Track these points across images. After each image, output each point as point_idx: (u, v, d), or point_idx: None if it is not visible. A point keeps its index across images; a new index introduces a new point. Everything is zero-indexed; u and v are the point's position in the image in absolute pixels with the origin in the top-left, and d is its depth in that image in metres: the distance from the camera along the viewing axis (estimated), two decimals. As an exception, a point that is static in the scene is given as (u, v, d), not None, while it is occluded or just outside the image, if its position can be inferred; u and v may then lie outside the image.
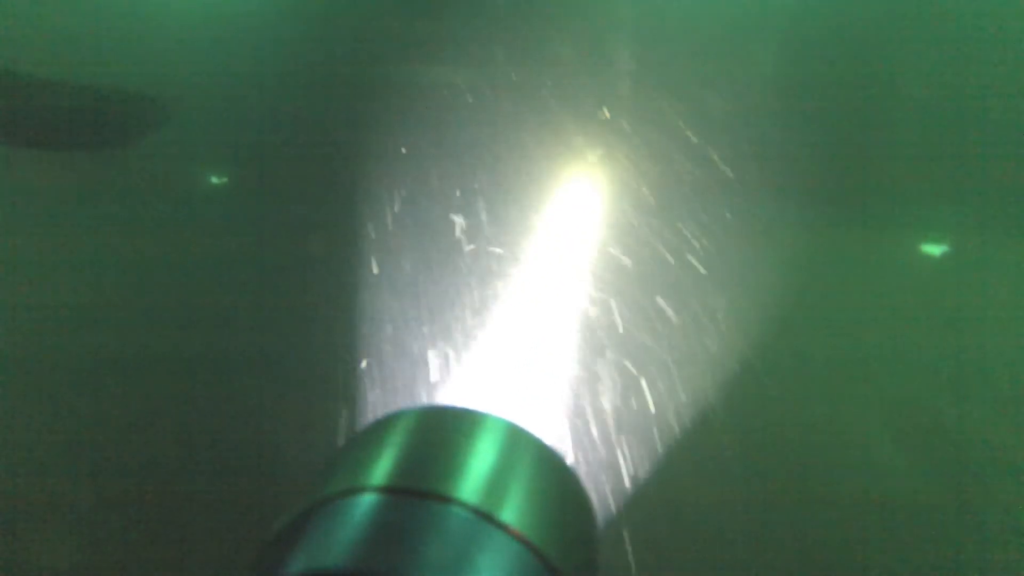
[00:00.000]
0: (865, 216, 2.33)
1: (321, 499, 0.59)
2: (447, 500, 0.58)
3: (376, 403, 1.81)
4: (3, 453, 1.84)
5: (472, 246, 2.11)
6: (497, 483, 0.62)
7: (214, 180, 2.64)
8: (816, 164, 2.27)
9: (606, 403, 1.86)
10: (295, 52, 2.47)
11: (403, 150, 2.26)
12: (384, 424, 0.70)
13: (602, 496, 1.67)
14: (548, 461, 0.70)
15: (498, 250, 2.10)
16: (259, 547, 0.57)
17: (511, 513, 0.59)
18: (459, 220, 2.14)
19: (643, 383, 1.91)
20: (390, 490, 0.59)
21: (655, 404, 1.89)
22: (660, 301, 2.05)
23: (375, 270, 2.10)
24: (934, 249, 2.36)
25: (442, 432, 0.69)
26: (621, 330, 2.00)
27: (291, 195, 2.45)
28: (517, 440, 0.69)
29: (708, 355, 1.99)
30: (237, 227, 2.50)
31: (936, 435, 1.95)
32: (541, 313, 2.00)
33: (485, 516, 0.57)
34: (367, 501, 0.58)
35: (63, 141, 2.19)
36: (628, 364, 1.94)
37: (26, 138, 2.11)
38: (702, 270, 2.10)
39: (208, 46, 2.47)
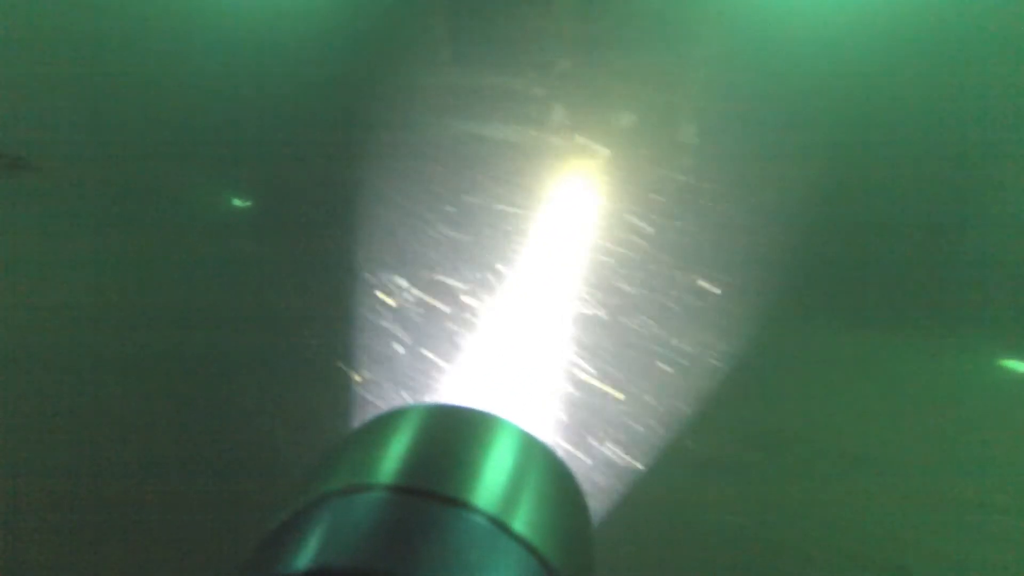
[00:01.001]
0: (938, 328, 2.26)
1: (323, 495, 0.57)
2: (463, 505, 0.56)
3: (373, 401, 1.81)
4: (3, 453, 1.83)
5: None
6: (511, 492, 0.60)
7: (215, 181, 2.64)
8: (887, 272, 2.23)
9: (599, 401, 1.86)
10: (343, 92, 2.46)
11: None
12: (386, 421, 0.68)
13: (599, 497, 1.67)
14: (556, 470, 0.69)
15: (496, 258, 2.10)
16: (253, 545, 0.56)
17: (525, 524, 0.57)
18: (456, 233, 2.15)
19: (638, 384, 1.91)
20: (403, 489, 0.57)
21: (650, 403, 1.89)
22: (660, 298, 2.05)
23: (373, 271, 2.10)
24: (1018, 366, 2.21)
25: (450, 433, 0.67)
26: (616, 330, 2.00)
27: (291, 195, 2.45)
28: (526, 446, 0.68)
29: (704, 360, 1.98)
30: (237, 227, 2.50)
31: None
32: (537, 312, 2.00)
33: (501, 525, 0.55)
34: (377, 499, 0.56)
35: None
36: (624, 368, 1.94)
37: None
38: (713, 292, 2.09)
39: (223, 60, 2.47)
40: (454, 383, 1.84)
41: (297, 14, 2.56)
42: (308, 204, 2.39)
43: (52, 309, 2.18)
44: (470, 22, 2.51)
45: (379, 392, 1.85)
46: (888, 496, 1.92)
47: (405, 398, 1.82)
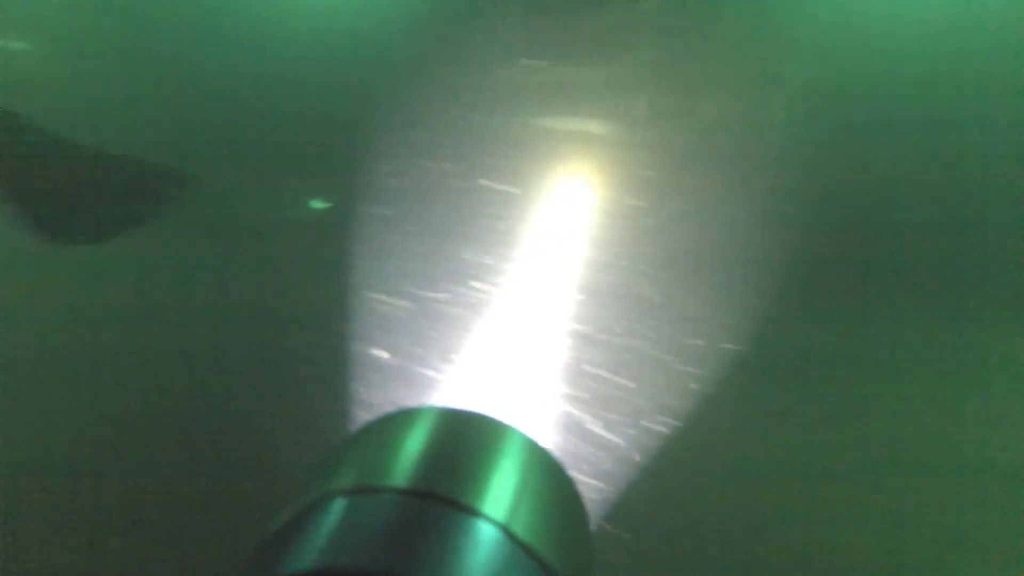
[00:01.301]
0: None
1: (329, 494, 0.56)
2: (469, 510, 0.56)
3: (374, 402, 1.81)
4: (3, 453, 1.84)
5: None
6: (516, 497, 0.60)
7: (217, 181, 2.64)
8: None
9: (599, 402, 1.86)
10: (420, 90, 2.43)
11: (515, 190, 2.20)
12: (390, 423, 0.68)
13: (597, 499, 1.67)
14: (557, 475, 0.69)
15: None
16: (257, 543, 0.55)
17: (528, 529, 0.57)
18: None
19: (634, 386, 1.91)
20: (411, 492, 0.57)
21: (648, 404, 1.89)
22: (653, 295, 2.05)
23: (375, 270, 2.10)
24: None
25: (456, 437, 0.67)
26: (618, 329, 2.00)
27: (291, 195, 2.45)
28: (529, 451, 0.68)
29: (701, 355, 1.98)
30: (238, 227, 2.50)
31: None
32: (536, 314, 2.00)
33: (505, 530, 0.56)
34: (385, 501, 0.56)
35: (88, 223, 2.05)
36: (623, 365, 1.94)
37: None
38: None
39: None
40: (455, 383, 1.84)
41: (361, 5, 2.53)
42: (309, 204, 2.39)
43: (54, 309, 2.18)
44: (549, 14, 2.47)
45: (380, 392, 1.85)
46: (889, 496, 1.92)
47: (406, 399, 1.82)
